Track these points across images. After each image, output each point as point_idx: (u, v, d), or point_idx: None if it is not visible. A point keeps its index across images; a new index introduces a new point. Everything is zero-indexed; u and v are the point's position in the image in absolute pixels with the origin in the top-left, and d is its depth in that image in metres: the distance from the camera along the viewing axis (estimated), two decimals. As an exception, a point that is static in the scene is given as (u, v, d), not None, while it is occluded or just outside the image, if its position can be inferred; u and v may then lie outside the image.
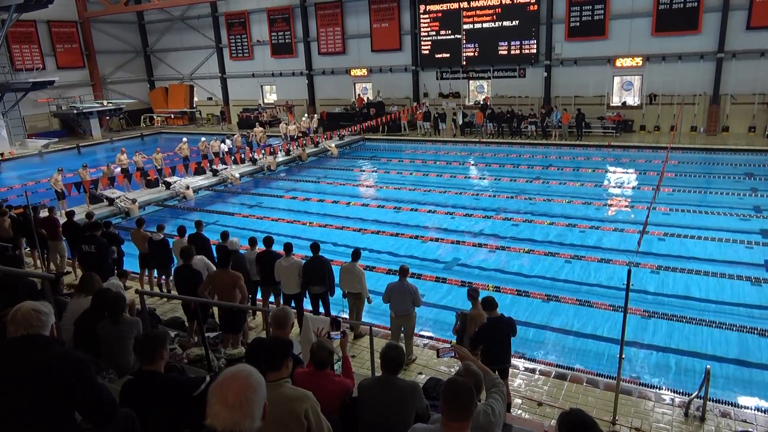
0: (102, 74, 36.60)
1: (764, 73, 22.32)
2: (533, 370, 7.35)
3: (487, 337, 6.15)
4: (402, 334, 7.70)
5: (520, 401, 6.65)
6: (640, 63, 24.65)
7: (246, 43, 35.25)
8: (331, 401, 3.80)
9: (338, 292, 8.62)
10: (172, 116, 37.39)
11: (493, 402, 3.22)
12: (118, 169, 19.50)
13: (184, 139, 23.30)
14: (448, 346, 5.69)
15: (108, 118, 34.99)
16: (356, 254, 8.46)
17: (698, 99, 23.76)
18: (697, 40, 23.26)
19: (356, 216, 15.50)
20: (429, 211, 15.64)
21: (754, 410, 6.35)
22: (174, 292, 9.00)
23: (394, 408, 3.74)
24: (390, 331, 7.97)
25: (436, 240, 13.33)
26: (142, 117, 37.46)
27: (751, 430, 5.94)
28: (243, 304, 7.42)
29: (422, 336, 8.50)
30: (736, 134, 23.11)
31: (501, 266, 11.69)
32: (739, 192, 16.07)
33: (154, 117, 37.60)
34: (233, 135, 26.17)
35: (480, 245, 12.84)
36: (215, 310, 8.26)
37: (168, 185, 18.66)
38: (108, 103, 34.18)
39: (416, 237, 13.53)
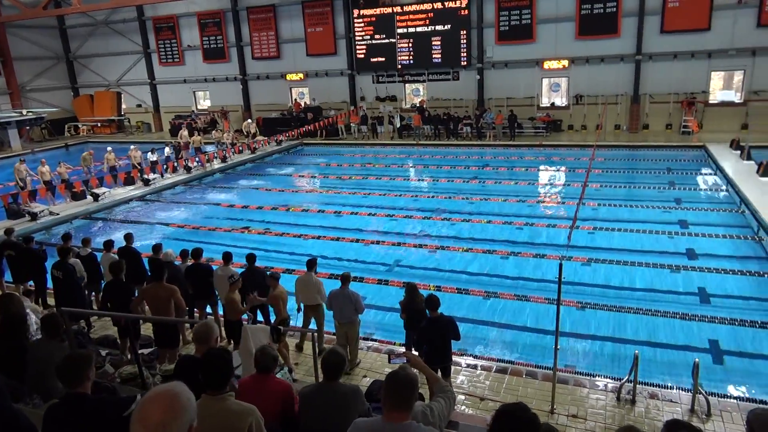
0: (20, 82, 34.46)
1: (678, 74, 23.87)
2: (475, 366, 7.50)
3: (427, 336, 6.22)
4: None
5: (463, 397, 6.76)
6: (566, 65, 25.77)
7: (176, 48, 34.19)
8: (273, 402, 3.89)
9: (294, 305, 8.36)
10: (99, 125, 35.70)
11: (433, 403, 3.25)
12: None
13: (109, 149, 22.32)
14: (401, 351, 5.73)
15: (28, 128, 33.02)
16: (311, 263, 8.06)
17: (620, 99, 25.11)
18: (617, 43, 24.58)
19: (296, 222, 15.33)
20: (369, 214, 15.69)
21: (678, 390, 6.75)
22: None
23: (336, 413, 3.72)
24: (336, 337, 7.90)
25: (378, 243, 13.38)
26: (66, 126, 35.54)
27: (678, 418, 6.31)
28: (180, 317, 7.18)
29: (366, 339, 8.49)
30: (656, 131, 24.59)
31: (441, 265, 11.88)
32: (659, 186, 17.09)
33: (80, 126, 35.77)
34: (169, 143, 25.31)
35: (420, 246, 12.99)
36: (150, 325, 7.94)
37: (96, 197, 17.79)
38: (28, 112, 32.20)
39: (357, 240, 13.54)
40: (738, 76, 23.85)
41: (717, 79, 24.31)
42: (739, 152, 18.54)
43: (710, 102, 24.05)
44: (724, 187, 16.32)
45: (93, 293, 9.81)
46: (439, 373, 5.99)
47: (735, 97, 24.01)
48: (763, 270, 10.59)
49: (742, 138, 19.26)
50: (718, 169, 17.64)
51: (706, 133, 22.94)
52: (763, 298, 9.64)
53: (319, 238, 13.76)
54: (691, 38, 23.29)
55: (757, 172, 15.89)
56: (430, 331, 6.22)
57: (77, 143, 33.10)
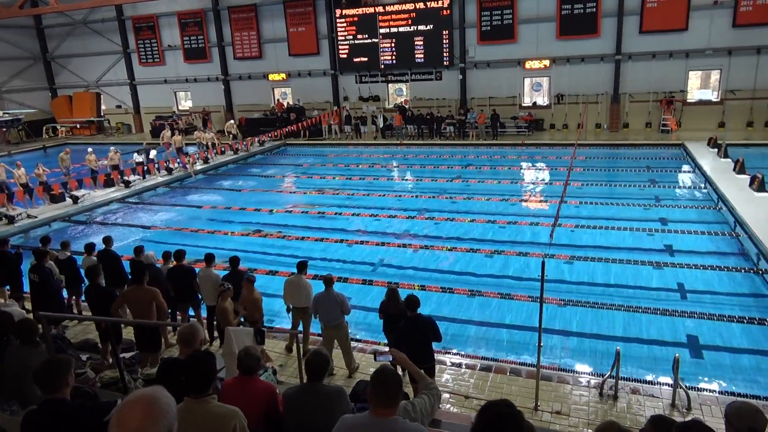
0: (-5, 83, 33.89)
1: (656, 73, 24.24)
2: (459, 365, 7.52)
3: (407, 336, 6.20)
4: (337, 345, 7.54)
5: (447, 396, 6.78)
6: (548, 65, 26.01)
7: (156, 48, 33.82)
8: (257, 403, 3.87)
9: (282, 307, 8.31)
10: (78, 126, 35.15)
11: (416, 400, 3.27)
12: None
13: (90, 150, 22.00)
14: (386, 349, 5.70)
15: (5, 129, 32.43)
16: (302, 265, 7.91)
17: (601, 98, 25.42)
18: (597, 43, 24.88)
19: (280, 223, 15.26)
20: (353, 215, 15.67)
21: (659, 385, 6.85)
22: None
23: (320, 414, 3.71)
24: (322, 339, 7.85)
25: (362, 243, 13.35)
26: (45, 128, 34.93)
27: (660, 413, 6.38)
28: (162, 320, 7.09)
29: (351, 339, 8.45)
30: (635, 130, 24.94)
31: (425, 265, 11.90)
32: (639, 184, 17.31)
33: (58, 127, 35.18)
34: (156, 144, 25.02)
35: (404, 245, 13.00)
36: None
37: (75, 199, 17.51)
38: (4, 113, 31.66)
39: (341, 241, 13.51)
40: (715, 76, 24.29)
41: (695, 78, 24.76)
42: (716, 150, 18.87)
43: (688, 101, 24.45)
44: (702, 185, 16.60)
45: (74, 297, 9.67)
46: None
47: (712, 96, 24.44)
48: (740, 265, 10.78)
49: (719, 136, 19.60)
50: (696, 167, 17.94)
51: (685, 132, 23.34)
52: (740, 293, 9.81)
53: (303, 239, 13.71)
54: (669, 38, 23.67)
55: (734, 169, 16.19)
56: (409, 331, 6.20)
57: (55, 145, 32.51)
